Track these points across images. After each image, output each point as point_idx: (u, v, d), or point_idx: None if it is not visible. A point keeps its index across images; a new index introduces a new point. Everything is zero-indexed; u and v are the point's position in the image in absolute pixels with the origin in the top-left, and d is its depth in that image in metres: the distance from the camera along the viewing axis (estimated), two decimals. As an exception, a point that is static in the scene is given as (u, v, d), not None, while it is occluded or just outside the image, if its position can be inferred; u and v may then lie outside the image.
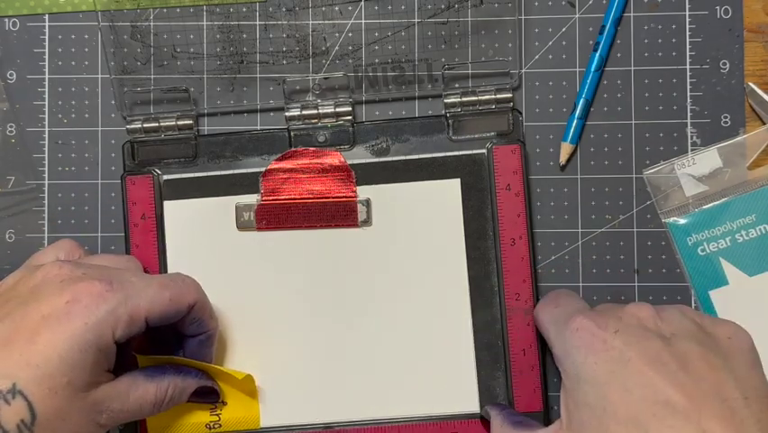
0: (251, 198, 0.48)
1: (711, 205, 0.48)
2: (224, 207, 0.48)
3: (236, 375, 0.45)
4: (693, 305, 0.48)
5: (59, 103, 0.49)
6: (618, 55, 0.49)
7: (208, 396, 0.45)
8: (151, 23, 0.49)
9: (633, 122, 0.49)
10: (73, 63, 0.50)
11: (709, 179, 0.48)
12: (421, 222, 0.47)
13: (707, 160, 0.48)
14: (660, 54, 0.49)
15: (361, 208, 0.48)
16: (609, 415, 0.37)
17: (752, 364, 0.39)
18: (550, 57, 0.49)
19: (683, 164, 0.48)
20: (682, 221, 0.48)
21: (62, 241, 0.46)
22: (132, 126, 0.48)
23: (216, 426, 0.46)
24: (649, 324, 0.40)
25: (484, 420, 0.46)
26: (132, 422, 0.45)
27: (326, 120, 0.48)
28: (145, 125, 0.48)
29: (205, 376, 0.45)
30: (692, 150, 0.49)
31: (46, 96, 0.49)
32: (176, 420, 0.46)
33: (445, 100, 0.48)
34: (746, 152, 0.48)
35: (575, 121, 0.48)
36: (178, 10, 0.49)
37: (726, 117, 0.49)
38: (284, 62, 0.49)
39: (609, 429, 0.37)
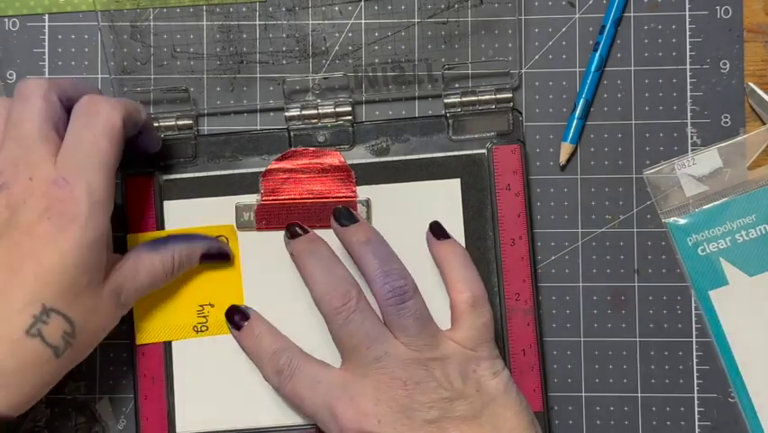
0: (251, 198, 0.48)
1: (711, 205, 0.48)
2: (224, 207, 0.48)
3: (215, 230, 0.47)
4: (693, 305, 0.48)
5: (59, 103, 0.49)
6: (618, 55, 0.49)
7: (220, 257, 0.47)
8: (151, 23, 0.49)
9: (633, 122, 0.49)
10: (73, 63, 0.50)
11: (709, 179, 0.48)
12: (421, 222, 0.47)
13: (707, 160, 0.48)
14: (660, 54, 0.49)
15: (360, 208, 0.48)
16: None
17: (513, 405, 0.43)
18: (550, 57, 0.49)
19: (683, 164, 0.48)
20: (682, 221, 0.48)
21: None
22: (132, 126, 0.48)
23: (203, 328, 0.47)
24: (411, 402, 0.42)
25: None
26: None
27: (326, 120, 0.48)
28: (145, 125, 0.48)
29: (212, 238, 0.47)
30: (692, 150, 0.49)
31: (46, 96, 0.49)
32: (164, 323, 0.47)
33: (445, 100, 0.48)
34: (746, 152, 0.48)
35: (575, 121, 0.48)
36: (177, 10, 0.49)
37: (726, 117, 0.49)
38: (284, 62, 0.49)
39: None
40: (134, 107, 0.43)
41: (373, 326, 0.43)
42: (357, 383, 0.42)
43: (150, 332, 0.47)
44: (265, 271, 0.48)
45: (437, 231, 0.46)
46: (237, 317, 0.46)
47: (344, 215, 0.46)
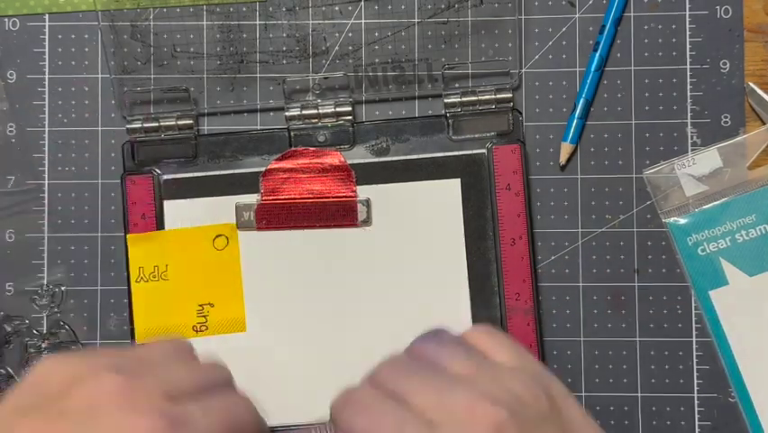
0: (251, 198, 0.48)
1: (711, 205, 0.48)
2: (224, 206, 0.48)
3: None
4: (693, 304, 0.48)
5: (59, 103, 0.49)
6: (618, 55, 0.49)
7: None
8: (151, 23, 0.49)
9: (633, 122, 0.49)
10: (73, 63, 0.50)
11: (709, 179, 0.48)
12: (421, 222, 0.47)
13: (707, 160, 0.48)
14: (660, 54, 0.49)
15: (361, 208, 0.48)
16: None
17: (589, 423, 0.37)
18: (550, 57, 0.49)
19: (683, 164, 0.48)
20: (682, 221, 0.48)
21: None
22: (132, 126, 0.48)
23: (203, 328, 0.47)
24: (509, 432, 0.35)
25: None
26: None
27: (326, 120, 0.48)
28: (145, 125, 0.48)
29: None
30: (692, 150, 0.49)
31: (46, 95, 0.49)
32: (163, 322, 0.47)
33: (445, 100, 0.48)
34: (746, 151, 0.48)
35: (575, 121, 0.48)
36: (177, 10, 0.49)
37: (726, 117, 0.49)
38: (284, 62, 0.49)
39: None
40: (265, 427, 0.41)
41: (428, 367, 0.38)
42: (444, 424, 0.35)
43: (150, 331, 0.47)
44: (265, 270, 0.48)
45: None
46: None
47: None
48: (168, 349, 0.39)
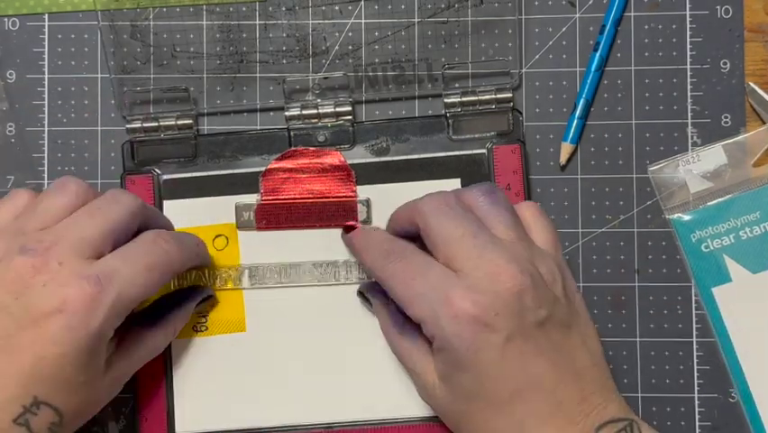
0: (251, 198, 0.48)
1: (715, 202, 0.48)
2: (224, 206, 0.48)
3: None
4: (694, 304, 0.48)
5: (59, 102, 0.49)
6: (619, 55, 0.49)
7: (208, 299, 0.46)
8: (151, 23, 0.49)
9: (633, 122, 0.49)
10: (73, 63, 0.50)
11: (714, 175, 0.48)
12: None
13: (711, 157, 0.48)
14: (660, 54, 0.49)
15: (360, 208, 0.47)
16: (482, 398, 0.39)
17: (590, 322, 0.41)
18: (550, 57, 0.49)
19: (688, 161, 0.48)
20: (686, 218, 0.48)
21: (15, 194, 0.42)
22: (132, 126, 0.48)
23: (203, 327, 0.47)
24: (527, 298, 0.38)
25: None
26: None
27: (326, 120, 0.48)
28: (145, 125, 0.48)
29: (199, 288, 0.46)
30: (692, 150, 0.48)
31: (46, 95, 0.49)
32: None
33: (445, 100, 0.48)
34: (751, 149, 0.48)
35: (575, 121, 0.48)
36: (177, 9, 0.49)
37: (726, 117, 0.49)
38: (284, 62, 0.49)
39: (479, 410, 0.39)
40: (198, 252, 0.45)
41: (475, 220, 0.40)
42: (470, 275, 0.39)
43: None
44: (265, 270, 0.47)
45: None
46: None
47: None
48: (68, 204, 0.41)
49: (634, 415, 0.39)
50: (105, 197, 0.41)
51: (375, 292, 0.45)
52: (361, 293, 0.46)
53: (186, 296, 0.46)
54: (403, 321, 0.43)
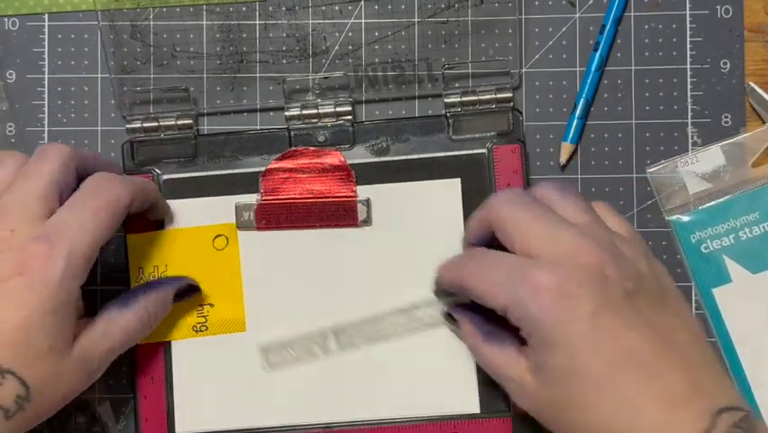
0: (251, 198, 0.48)
1: (715, 202, 0.48)
2: (224, 206, 0.48)
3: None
4: (694, 304, 0.48)
5: (59, 103, 0.49)
6: (619, 55, 0.49)
7: (190, 292, 0.46)
8: (151, 23, 0.49)
9: (633, 121, 0.49)
10: (73, 63, 0.50)
11: (713, 176, 0.48)
12: (421, 222, 0.47)
13: (710, 157, 0.48)
14: (660, 54, 0.49)
15: (360, 208, 0.47)
16: (580, 377, 0.36)
17: (685, 303, 0.40)
18: (550, 56, 0.49)
19: (687, 162, 0.48)
20: (686, 218, 0.48)
21: None
22: (132, 126, 0.48)
23: (203, 328, 0.47)
24: (609, 270, 0.37)
25: (484, 420, 0.46)
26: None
27: (326, 120, 0.48)
28: (145, 125, 0.48)
29: (180, 278, 0.46)
30: (693, 149, 0.48)
31: (46, 95, 0.49)
32: (163, 323, 0.46)
33: (445, 100, 0.48)
34: (750, 149, 0.48)
35: (575, 121, 0.48)
36: (177, 9, 0.49)
37: (726, 117, 0.49)
38: (284, 62, 0.49)
39: (579, 391, 0.36)
40: (145, 188, 0.44)
41: (545, 206, 0.40)
42: (548, 254, 0.38)
43: (150, 334, 0.47)
44: (265, 271, 0.47)
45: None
46: None
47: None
48: (7, 175, 0.41)
49: (748, 406, 0.36)
50: (34, 156, 0.42)
51: (458, 309, 0.45)
52: (448, 315, 0.46)
53: (164, 282, 0.46)
54: (488, 328, 0.42)
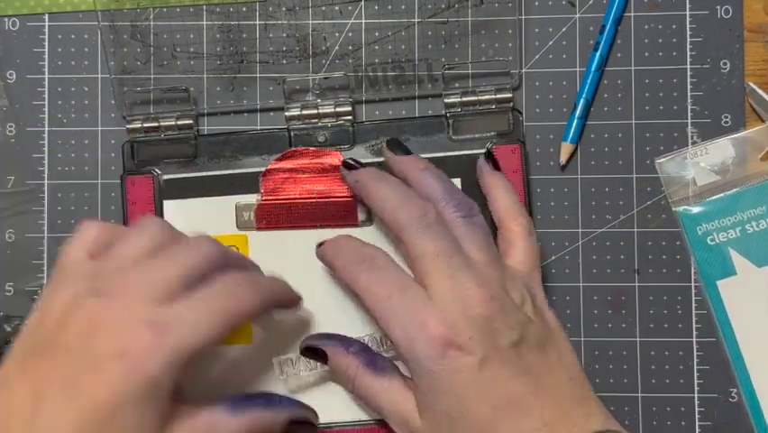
0: (251, 198, 0.48)
1: (722, 195, 0.48)
2: (223, 206, 0.48)
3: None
4: (694, 304, 0.48)
5: (59, 103, 0.49)
6: (619, 55, 0.49)
7: (307, 428, 0.43)
8: (151, 23, 0.49)
9: (633, 122, 0.49)
10: (73, 63, 0.50)
11: (721, 169, 0.48)
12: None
13: (719, 150, 0.48)
14: (660, 54, 0.49)
15: (361, 208, 0.47)
16: (466, 420, 0.39)
17: (564, 339, 0.43)
18: (550, 57, 0.49)
19: (695, 154, 0.48)
20: (693, 210, 0.48)
21: (87, 228, 0.40)
22: (132, 126, 0.48)
23: None
24: (498, 323, 0.40)
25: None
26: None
27: (326, 120, 0.48)
28: (145, 125, 0.48)
29: (301, 405, 0.43)
30: (702, 142, 0.48)
31: (46, 95, 0.49)
32: None
33: (445, 100, 0.48)
34: (759, 143, 0.48)
35: (575, 121, 0.48)
36: (177, 10, 0.49)
37: (726, 117, 0.49)
38: (284, 62, 0.49)
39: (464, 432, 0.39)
40: (273, 295, 0.42)
41: (452, 240, 0.41)
42: (443, 298, 0.40)
43: None
44: (265, 271, 0.47)
45: (494, 162, 0.46)
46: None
47: (398, 145, 0.46)
48: (146, 243, 0.39)
49: (618, 425, 0.40)
50: (188, 243, 0.40)
51: (327, 340, 0.44)
52: (308, 349, 0.44)
53: (283, 401, 0.43)
54: (369, 356, 0.43)
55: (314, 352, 0.44)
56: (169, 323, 0.37)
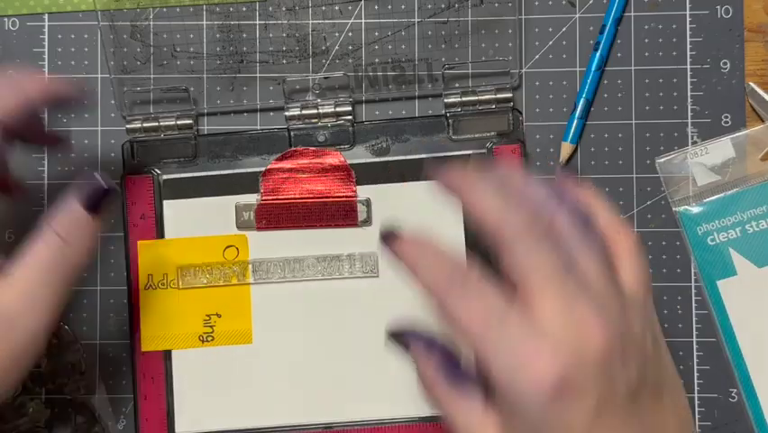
0: (251, 198, 0.48)
1: (723, 195, 0.48)
2: (223, 206, 0.48)
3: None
4: (694, 305, 0.48)
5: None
6: (619, 55, 0.49)
7: (106, 197, 0.39)
8: (151, 23, 0.49)
9: (633, 121, 0.49)
10: (73, 63, 0.50)
11: (722, 168, 0.48)
12: (421, 222, 0.47)
13: (720, 149, 0.48)
14: (660, 54, 0.49)
15: (360, 208, 0.47)
16: None
17: (681, 388, 0.36)
18: (550, 56, 0.49)
19: (696, 153, 0.48)
20: (693, 210, 0.48)
21: None
22: (132, 126, 0.48)
23: (209, 338, 0.47)
24: (616, 363, 0.33)
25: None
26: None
27: (326, 120, 0.48)
28: (145, 125, 0.48)
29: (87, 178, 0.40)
30: (701, 142, 0.48)
31: (46, 95, 0.49)
32: (170, 331, 0.46)
33: (445, 100, 0.48)
34: (759, 143, 0.48)
35: (575, 121, 0.48)
36: (177, 9, 0.49)
37: (726, 117, 0.49)
38: (284, 62, 0.49)
39: None
40: (47, 87, 0.39)
41: (563, 257, 0.33)
42: (556, 332, 0.32)
43: (156, 340, 0.47)
44: (266, 272, 0.47)
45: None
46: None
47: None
48: None
49: None
50: None
51: (413, 337, 0.37)
52: (393, 335, 0.38)
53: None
54: (451, 369, 0.36)
55: (396, 339, 0.37)
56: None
